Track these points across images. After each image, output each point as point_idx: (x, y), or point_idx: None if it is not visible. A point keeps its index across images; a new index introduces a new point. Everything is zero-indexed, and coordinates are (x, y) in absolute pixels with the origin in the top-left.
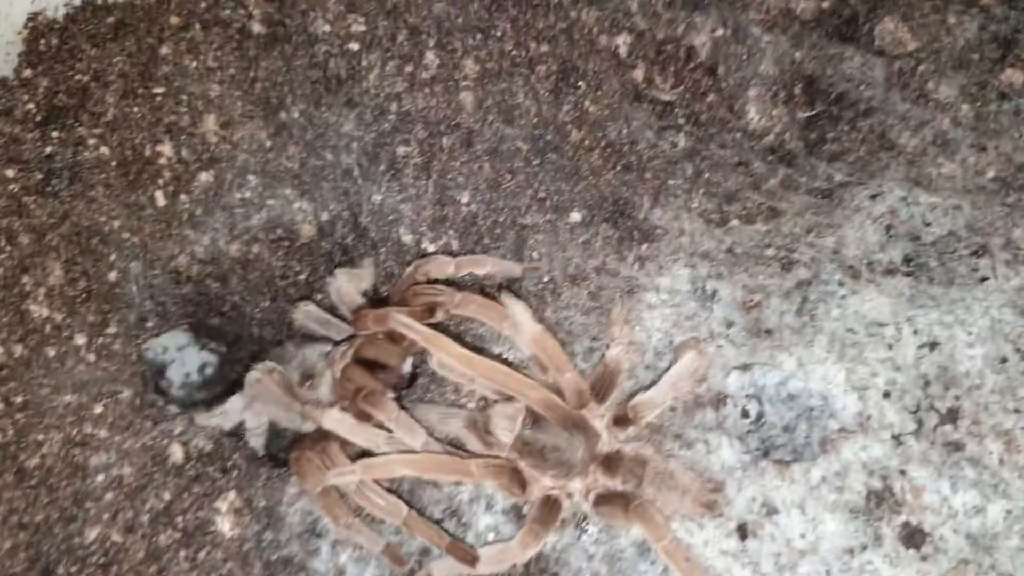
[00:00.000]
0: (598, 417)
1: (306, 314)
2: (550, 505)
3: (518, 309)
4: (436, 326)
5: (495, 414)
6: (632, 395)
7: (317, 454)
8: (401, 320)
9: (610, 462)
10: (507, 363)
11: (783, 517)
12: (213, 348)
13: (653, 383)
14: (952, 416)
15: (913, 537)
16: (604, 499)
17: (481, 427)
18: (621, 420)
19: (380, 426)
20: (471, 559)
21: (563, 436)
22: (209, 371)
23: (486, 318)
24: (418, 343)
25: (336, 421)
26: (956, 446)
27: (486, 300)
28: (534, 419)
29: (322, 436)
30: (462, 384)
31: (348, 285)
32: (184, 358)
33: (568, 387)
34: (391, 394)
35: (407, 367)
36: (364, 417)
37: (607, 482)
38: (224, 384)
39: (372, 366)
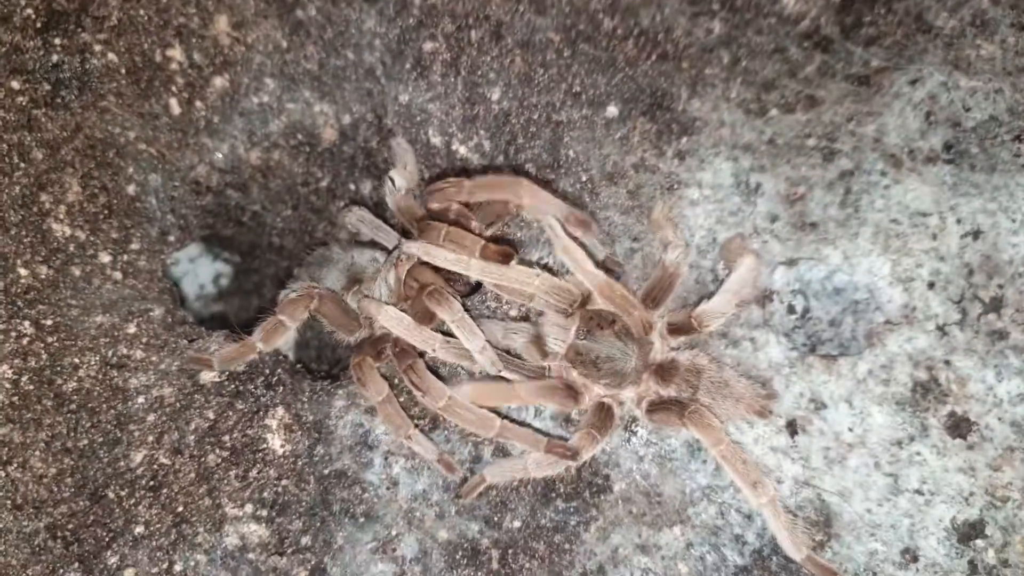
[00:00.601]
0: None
1: (359, 218)
2: (605, 410)
3: (579, 257)
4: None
5: (547, 324)
6: (695, 303)
7: (405, 374)
8: (427, 249)
9: (664, 371)
10: (547, 268)
11: (831, 412)
12: (227, 258)
13: (712, 293)
14: (996, 305)
15: (959, 427)
16: (657, 406)
17: (537, 340)
18: (680, 329)
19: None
20: (572, 454)
21: (616, 345)
22: (224, 282)
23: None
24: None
25: (393, 319)
26: (1000, 335)
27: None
28: (587, 329)
29: (380, 340)
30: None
31: (404, 189)
32: (197, 270)
33: (635, 323)
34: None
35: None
36: (423, 319)
37: (660, 391)
38: (241, 294)
39: (438, 269)
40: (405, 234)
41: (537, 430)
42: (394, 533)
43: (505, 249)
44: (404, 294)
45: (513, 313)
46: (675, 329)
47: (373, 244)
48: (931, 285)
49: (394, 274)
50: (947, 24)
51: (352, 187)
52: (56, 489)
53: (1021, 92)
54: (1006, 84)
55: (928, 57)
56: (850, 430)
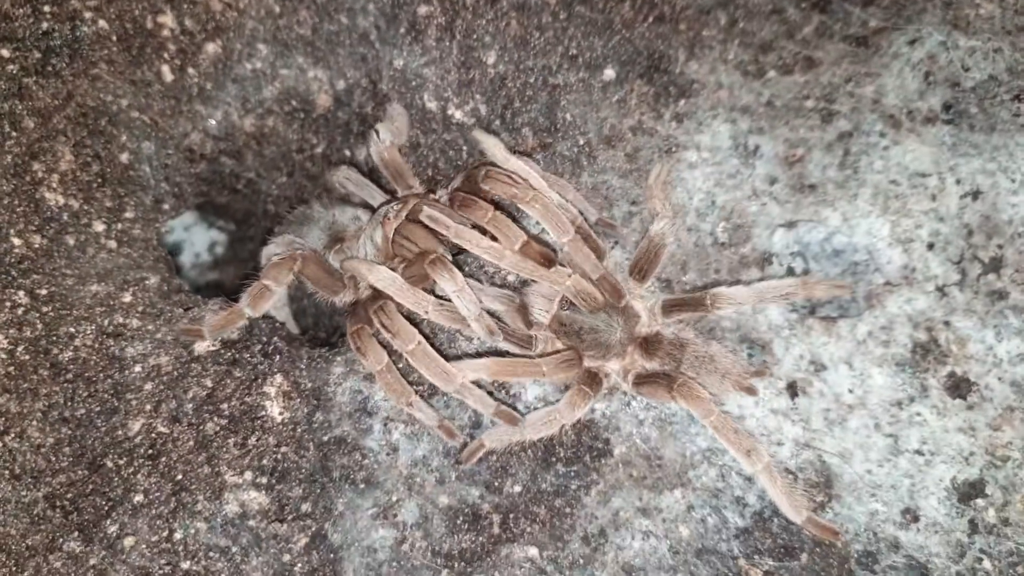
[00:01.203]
0: (638, 298)
1: (346, 176)
2: (592, 374)
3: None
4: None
5: (532, 294)
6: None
7: (375, 314)
8: (433, 215)
9: (648, 344)
10: (542, 241)
11: (831, 373)
12: (221, 226)
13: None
14: (995, 265)
15: (959, 387)
16: (645, 379)
17: (522, 309)
18: (688, 304)
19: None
20: (515, 420)
21: (601, 317)
22: (220, 250)
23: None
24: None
25: (386, 280)
26: (1000, 295)
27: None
28: (571, 300)
29: (372, 306)
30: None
31: (392, 145)
32: (192, 238)
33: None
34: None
35: None
36: (416, 281)
37: (645, 364)
38: (237, 262)
39: (427, 227)
40: (393, 195)
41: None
42: (395, 499)
43: (548, 253)
44: (392, 252)
45: (512, 279)
46: (682, 304)
47: (364, 206)
48: (931, 246)
49: (381, 232)
50: None
51: (347, 153)
52: (54, 459)
53: (1020, 51)
54: (1005, 43)
55: (927, 17)
56: (850, 391)
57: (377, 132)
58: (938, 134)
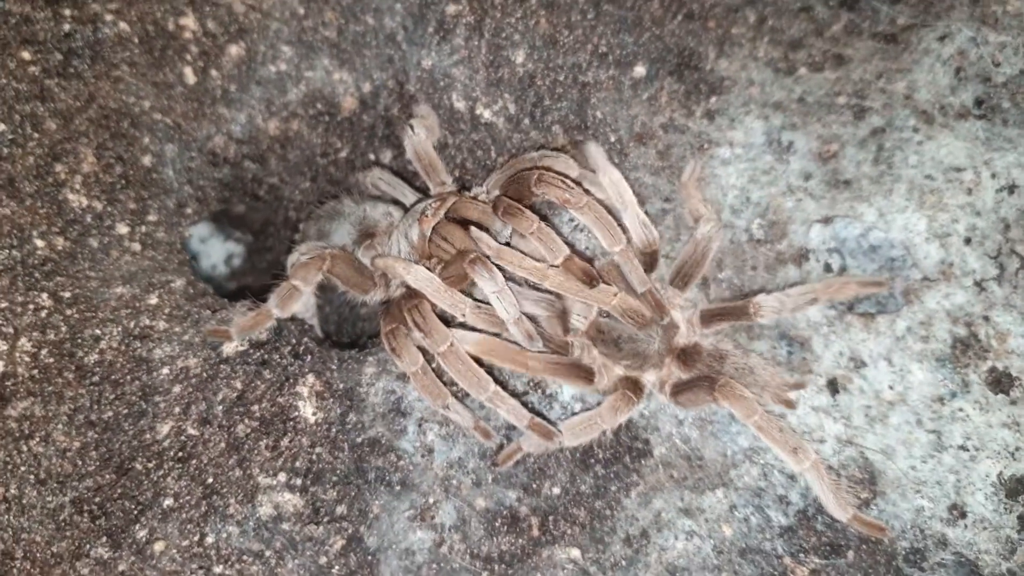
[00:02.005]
0: (677, 308)
1: (379, 177)
2: (633, 380)
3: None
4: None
5: (569, 299)
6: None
7: (408, 313)
8: (479, 235)
9: (686, 355)
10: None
11: (871, 370)
12: (238, 238)
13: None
14: None
15: (1001, 382)
16: (683, 386)
17: (562, 315)
18: (731, 313)
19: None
20: (551, 435)
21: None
22: (237, 261)
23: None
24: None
25: (423, 280)
26: None
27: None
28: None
29: (407, 305)
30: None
31: (427, 140)
32: (208, 250)
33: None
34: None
35: (507, 232)
36: (453, 280)
37: (682, 375)
38: (255, 273)
39: (465, 227)
40: (424, 193)
41: (526, 406)
42: (431, 501)
43: (590, 270)
44: (427, 251)
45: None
46: (724, 314)
47: (394, 201)
48: (967, 241)
49: (417, 229)
50: None
51: (372, 157)
52: (80, 463)
53: None
54: None
55: (955, 13)
56: (891, 388)
57: (412, 127)
58: (971, 129)
